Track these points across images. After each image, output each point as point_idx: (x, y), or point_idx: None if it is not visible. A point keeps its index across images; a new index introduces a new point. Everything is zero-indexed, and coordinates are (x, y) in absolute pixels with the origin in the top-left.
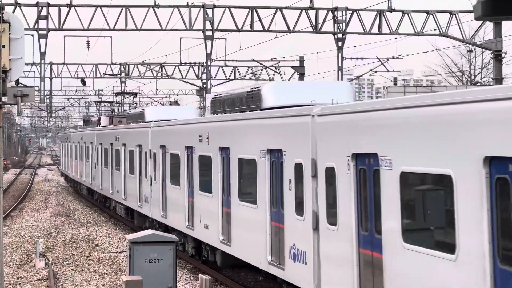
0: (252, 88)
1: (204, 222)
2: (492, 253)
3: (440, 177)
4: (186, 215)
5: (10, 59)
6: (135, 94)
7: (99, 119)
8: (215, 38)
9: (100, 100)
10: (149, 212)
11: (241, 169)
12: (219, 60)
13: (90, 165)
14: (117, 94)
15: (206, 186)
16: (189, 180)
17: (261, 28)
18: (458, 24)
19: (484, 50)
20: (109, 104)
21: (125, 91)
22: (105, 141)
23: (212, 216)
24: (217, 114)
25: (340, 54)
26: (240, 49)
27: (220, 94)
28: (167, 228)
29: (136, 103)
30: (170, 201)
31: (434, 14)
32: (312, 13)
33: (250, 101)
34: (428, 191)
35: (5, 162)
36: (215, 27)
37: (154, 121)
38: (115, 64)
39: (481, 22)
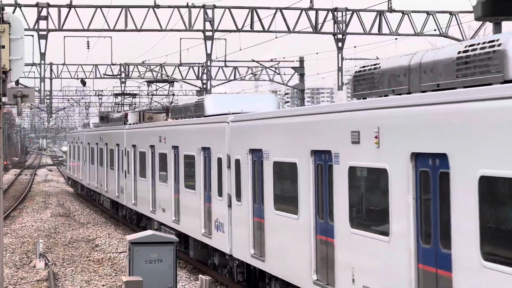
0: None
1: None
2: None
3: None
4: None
5: (10, 60)
6: (171, 83)
7: (126, 115)
8: (215, 39)
9: (122, 92)
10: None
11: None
12: (219, 61)
13: (117, 173)
14: (149, 82)
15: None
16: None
17: (261, 29)
18: (458, 24)
19: None
20: (132, 98)
21: (157, 78)
22: (142, 143)
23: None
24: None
25: (340, 55)
26: (240, 49)
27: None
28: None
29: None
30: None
31: (434, 15)
32: (312, 13)
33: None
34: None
35: (5, 163)
36: (215, 28)
37: (217, 114)
38: (115, 64)
39: (481, 22)
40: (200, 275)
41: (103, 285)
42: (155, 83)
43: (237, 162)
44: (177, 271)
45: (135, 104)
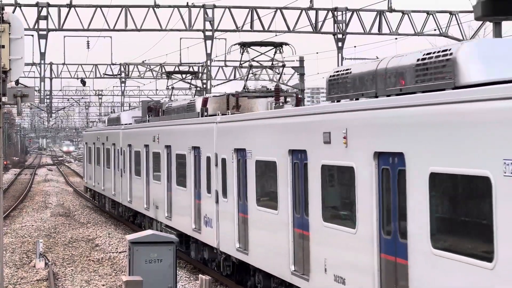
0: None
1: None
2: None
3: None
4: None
5: (10, 59)
6: (194, 74)
7: (205, 101)
8: (215, 38)
9: (179, 70)
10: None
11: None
12: (219, 60)
13: (193, 194)
14: (168, 74)
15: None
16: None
17: (261, 28)
18: (458, 24)
19: None
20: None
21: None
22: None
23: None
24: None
25: (340, 54)
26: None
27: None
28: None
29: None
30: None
31: (434, 14)
32: (312, 13)
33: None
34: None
35: (5, 162)
36: (215, 27)
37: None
38: (115, 64)
39: (481, 22)
40: (200, 275)
41: (103, 285)
42: (176, 75)
43: (223, 161)
44: (177, 271)
45: (193, 86)
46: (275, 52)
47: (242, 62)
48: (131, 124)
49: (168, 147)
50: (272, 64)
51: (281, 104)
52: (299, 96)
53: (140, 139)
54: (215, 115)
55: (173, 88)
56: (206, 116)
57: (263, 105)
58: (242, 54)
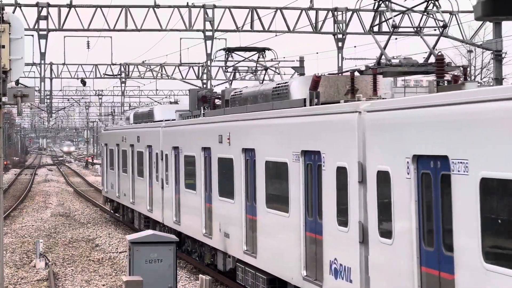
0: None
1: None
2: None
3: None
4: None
5: (10, 60)
6: (262, 51)
7: (317, 82)
8: (215, 38)
9: (241, 47)
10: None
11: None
12: (219, 61)
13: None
14: (229, 51)
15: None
16: (209, 184)
17: (261, 28)
18: (458, 24)
19: (484, 50)
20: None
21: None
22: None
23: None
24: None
25: (340, 54)
26: None
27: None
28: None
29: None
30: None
31: (434, 14)
32: (312, 13)
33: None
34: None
35: (5, 162)
36: (215, 27)
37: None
38: (115, 64)
39: (481, 22)
40: (200, 275)
41: (103, 285)
42: (238, 52)
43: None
44: (177, 271)
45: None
46: (259, 57)
47: (226, 67)
48: (174, 120)
49: (248, 151)
50: (255, 67)
51: (447, 83)
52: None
53: (195, 140)
54: (334, 102)
55: (236, 70)
56: (316, 104)
57: (387, 86)
58: (226, 59)
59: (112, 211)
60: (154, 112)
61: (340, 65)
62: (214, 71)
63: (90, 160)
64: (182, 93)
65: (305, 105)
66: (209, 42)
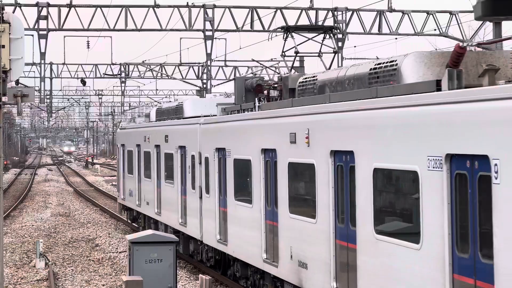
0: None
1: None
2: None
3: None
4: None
5: (10, 59)
6: (329, 30)
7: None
8: (215, 38)
9: (304, 25)
10: None
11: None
12: (219, 60)
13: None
14: (287, 30)
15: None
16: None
17: (261, 28)
18: (458, 24)
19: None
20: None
21: None
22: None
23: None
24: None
25: (340, 54)
26: (240, 48)
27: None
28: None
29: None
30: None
31: (434, 14)
32: (312, 13)
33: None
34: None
35: (5, 162)
36: (215, 27)
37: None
38: (115, 64)
39: (481, 22)
40: (200, 275)
41: (103, 285)
42: (300, 32)
43: (206, 159)
44: (177, 271)
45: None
46: (324, 37)
47: (285, 50)
48: (215, 116)
49: (341, 155)
50: (320, 51)
51: None
52: None
53: (251, 140)
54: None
55: (297, 52)
56: (458, 88)
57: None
58: (285, 40)
59: (129, 221)
60: (184, 107)
61: (339, 65)
62: (214, 71)
63: (90, 160)
64: (182, 93)
65: (437, 90)
66: (209, 42)
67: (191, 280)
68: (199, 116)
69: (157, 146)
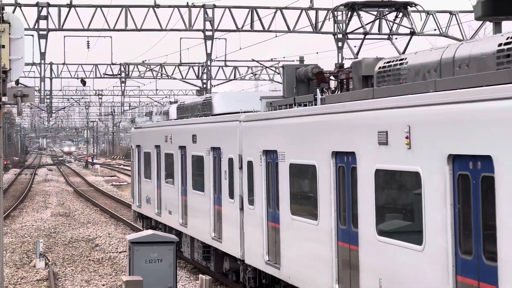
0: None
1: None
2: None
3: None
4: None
5: (10, 59)
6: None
7: None
8: (215, 38)
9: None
10: None
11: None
12: (219, 60)
13: None
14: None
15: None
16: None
17: (261, 28)
18: (458, 24)
19: None
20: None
21: None
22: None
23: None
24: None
25: (340, 54)
26: (240, 49)
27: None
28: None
29: None
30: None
31: (434, 14)
32: (312, 13)
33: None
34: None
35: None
36: (215, 27)
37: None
38: (115, 64)
39: (481, 22)
40: (200, 275)
41: (103, 285)
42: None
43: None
44: (177, 271)
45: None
46: (397, 16)
47: (348, 32)
48: (258, 112)
49: (182, 148)
50: (390, 32)
51: None
52: None
53: (318, 141)
54: None
55: (366, 34)
56: None
57: None
58: (349, 19)
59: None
60: (213, 102)
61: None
62: (214, 71)
63: (90, 160)
64: (182, 93)
65: None
66: (209, 42)
67: (191, 280)
68: (237, 112)
69: (182, 148)
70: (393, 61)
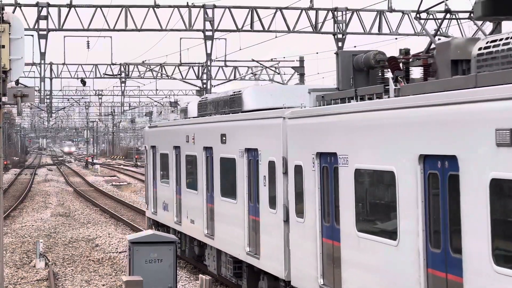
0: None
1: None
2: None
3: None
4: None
5: (10, 59)
6: None
7: None
8: (215, 38)
9: None
10: None
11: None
12: (219, 60)
13: None
14: None
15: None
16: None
17: (261, 28)
18: (458, 24)
19: None
20: None
21: None
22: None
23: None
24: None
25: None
26: (240, 49)
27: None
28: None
29: None
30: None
31: (434, 14)
32: (312, 13)
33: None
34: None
35: (5, 162)
36: (215, 27)
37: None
38: (115, 64)
39: (481, 22)
40: (200, 275)
41: (103, 285)
42: None
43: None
44: (177, 271)
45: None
46: None
47: (421, 11)
48: (304, 108)
49: (208, 149)
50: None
51: None
52: None
53: (386, 142)
54: None
55: (448, 11)
56: None
57: None
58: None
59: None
60: (243, 97)
61: None
62: (214, 71)
63: (90, 160)
64: (182, 93)
65: None
66: (209, 42)
67: (191, 280)
68: (279, 108)
69: (207, 149)
70: (502, 39)
